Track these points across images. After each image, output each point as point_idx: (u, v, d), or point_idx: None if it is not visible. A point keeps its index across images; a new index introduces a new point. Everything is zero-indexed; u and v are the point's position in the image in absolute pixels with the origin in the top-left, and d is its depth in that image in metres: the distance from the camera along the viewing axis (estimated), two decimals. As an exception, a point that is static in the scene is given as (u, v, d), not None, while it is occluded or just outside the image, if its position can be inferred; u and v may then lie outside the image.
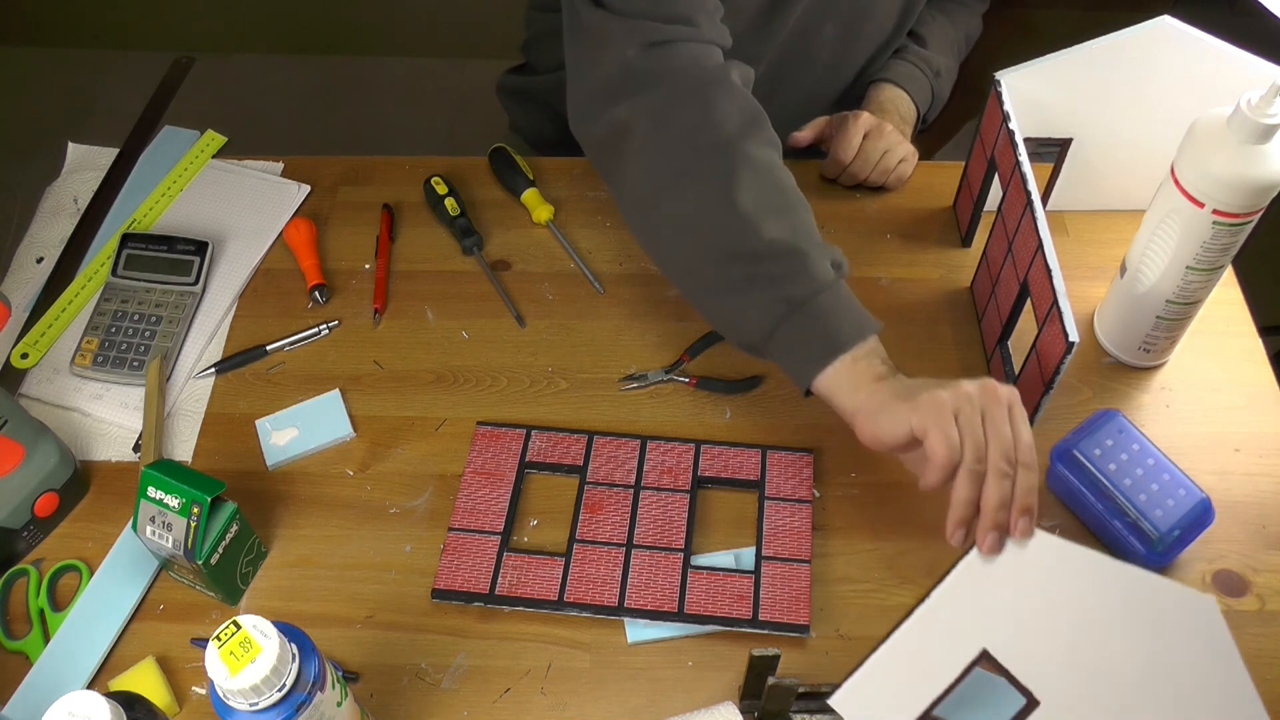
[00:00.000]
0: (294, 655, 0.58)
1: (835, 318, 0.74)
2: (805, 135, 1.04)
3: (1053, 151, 0.94)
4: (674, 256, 0.81)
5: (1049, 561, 0.64)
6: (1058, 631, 0.62)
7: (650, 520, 0.81)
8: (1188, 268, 0.80)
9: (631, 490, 0.82)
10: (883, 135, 0.99)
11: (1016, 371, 0.83)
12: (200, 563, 0.72)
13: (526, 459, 0.84)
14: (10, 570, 0.80)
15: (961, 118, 1.22)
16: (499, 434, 0.85)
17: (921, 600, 0.64)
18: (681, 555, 0.79)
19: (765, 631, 0.75)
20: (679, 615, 0.76)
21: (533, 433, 0.86)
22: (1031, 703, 0.61)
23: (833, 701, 0.63)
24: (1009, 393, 0.68)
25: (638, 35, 0.80)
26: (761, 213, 0.76)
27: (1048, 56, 0.87)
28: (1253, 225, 0.78)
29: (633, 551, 0.79)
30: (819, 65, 1.06)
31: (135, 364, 0.89)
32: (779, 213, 0.76)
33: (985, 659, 0.62)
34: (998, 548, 0.64)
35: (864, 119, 1.00)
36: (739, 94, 0.80)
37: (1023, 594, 0.64)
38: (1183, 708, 0.60)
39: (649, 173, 0.80)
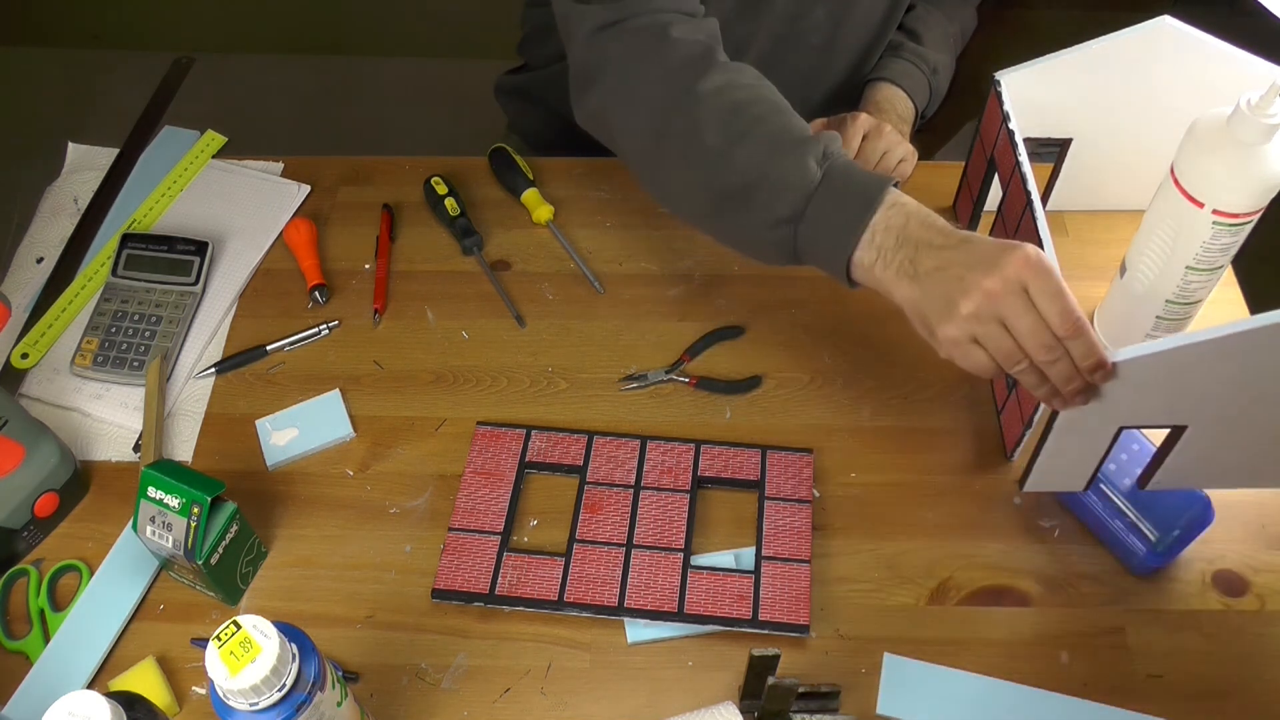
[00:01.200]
0: (294, 655, 0.58)
1: (832, 216, 0.72)
2: None
3: (1053, 151, 0.94)
4: (692, 212, 0.82)
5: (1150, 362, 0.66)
6: (1184, 393, 0.68)
7: (650, 520, 0.81)
8: (1187, 268, 0.80)
9: (631, 490, 0.82)
10: (881, 135, 0.99)
11: (1016, 371, 0.83)
12: (200, 563, 0.72)
13: (526, 459, 0.84)
14: (10, 570, 0.80)
15: (961, 118, 1.22)
16: (499, 434, 0.85)
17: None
18: (681, 555, 0.79)
19: (765, 631, 0.75)
20: (679, 615, 0.76)
21: (533, 433, 0.86)
22: (1177, 430, 0.71)
23: (1026, 487, 0.76)
24: (1019, 270, 0.65)
25: (587, 21, 0.82)
26: (729, 144, 0.75)
27: (1048, 56, 0.87)
28: (1252, 225, 0.78)
29: (633, 551, 0.79)
30: (810, 49, 1.06)
31: (135, 364, 0.89)
32: (743, 136, 0.75)
33: (1123, 432, 0.73)
34: (1091, 398, 0.68)
35: (862, 120, 1.00)
36: (680, 44, 0.80)
37: (1138, 389, 0.68)
38: None
39: (634, 147, 0.81)
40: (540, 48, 1.17)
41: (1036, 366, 0.66)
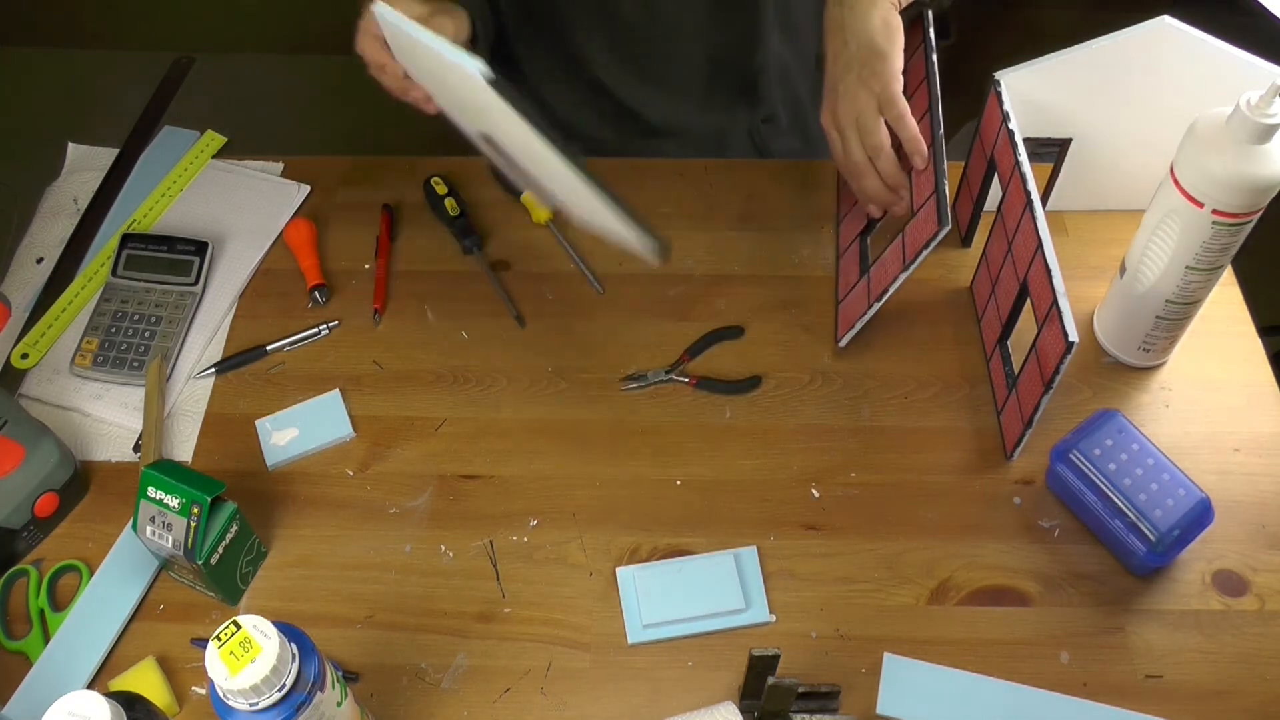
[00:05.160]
0: (294, 655, 0.58)
1: None
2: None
3: (1053, 151, 0.94)
4: None
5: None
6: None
7: None
8: (1187, 267, 0.80)
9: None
10: (839, 98, 0.86)
11: (1016, 371, 0.83)
12: (200, 563, 0.72)
13: None
14: (10, 570, 0.80)
15: (962, 118, 1.22)
16: None
17: None
18: None
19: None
20: None
21: None
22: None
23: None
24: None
25: None
26: None
27: (1048, 56, 0.87)
28: (1252, 225, 0.78)
29: None
30: None
31: (135, 364, 0.89)
32: None
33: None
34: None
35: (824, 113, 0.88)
36: None
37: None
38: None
39: None
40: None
41: None
